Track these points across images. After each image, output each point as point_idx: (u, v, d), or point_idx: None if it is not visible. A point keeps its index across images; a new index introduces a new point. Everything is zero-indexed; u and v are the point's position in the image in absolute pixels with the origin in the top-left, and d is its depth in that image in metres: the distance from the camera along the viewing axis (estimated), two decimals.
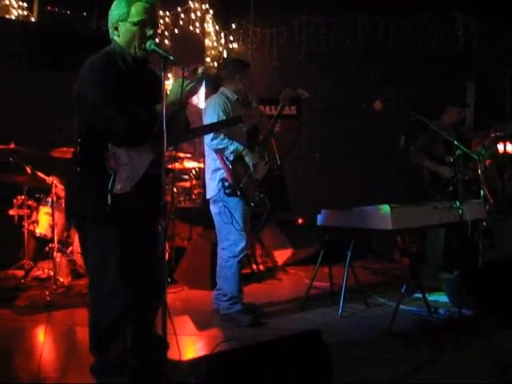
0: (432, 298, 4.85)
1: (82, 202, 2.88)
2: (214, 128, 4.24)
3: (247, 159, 4.46)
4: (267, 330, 4.22)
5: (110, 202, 2.77)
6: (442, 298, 4.94)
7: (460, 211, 4.32)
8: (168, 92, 2.96)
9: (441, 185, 5.83)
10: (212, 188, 4.51)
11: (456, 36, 7.59)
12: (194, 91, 3.00)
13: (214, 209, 4.53)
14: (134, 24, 2.91)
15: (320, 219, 4.75)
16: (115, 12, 2.95)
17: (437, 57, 7.59)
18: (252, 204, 4.49)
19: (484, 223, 5.27)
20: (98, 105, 2.83)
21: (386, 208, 4.15)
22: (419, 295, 4.59)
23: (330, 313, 4.67)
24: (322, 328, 2.87)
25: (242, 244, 4.46)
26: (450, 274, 5.69)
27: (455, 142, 4.61)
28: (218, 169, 4.47)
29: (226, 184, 4.39)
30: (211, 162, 4.55)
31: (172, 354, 3.08)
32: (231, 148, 4.38)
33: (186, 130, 3.31)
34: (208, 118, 4.45)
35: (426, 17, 7.61)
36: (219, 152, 4.43)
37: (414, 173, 6.57)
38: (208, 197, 4.58)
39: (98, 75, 2.85)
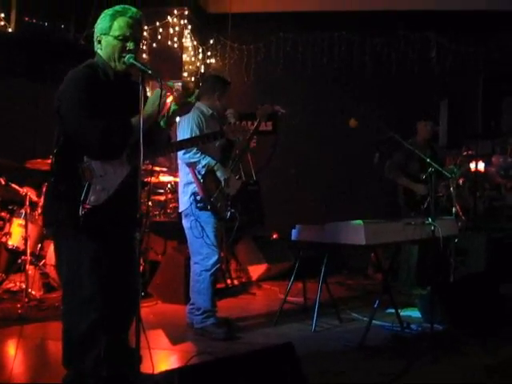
0: (405, 313, 4.89)
1: (57, 212, 2.91)
2: (193, 143, 4.25)
3: (219, 174, 4.48)
4: (241, 344, 4.22)
5: (81, 213, 2.78)
6: (414, 313, 4.98)
7: (432, 227, 4.38)
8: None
9: (415, 202, 5.92)
10: (184, 202, 4.52)
11: (430, 56, 7.73)
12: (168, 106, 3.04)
13: (185, 223, 4.54)
14: (115, 38, 2.94)
15: (294, 234, 4.79)
16: (99, 26, 2.98)
17: (411, 75, 7.72)
18: (223, 219, 4.51)
19: (456, 240, 5.37)
20: (75, 116, 2.85)
21: (359, 223, 4.20)
22: (392, 310, 4.63)
23: (304, 327, 4.68)
24: (296, 342, 2.88)
25: (214, 258, 4.46)
26: (422, 289, 5.76)
27: (427, 160, 4.69)
28: (190, 182, 4.48)
29: (198, 198, 4.40)
30: (183, 175, 4.56)
31: (145, 368, 3.06)
32: (203, 162, 4.40)
33: (165, 144, 3.33)
34: (182, 132, 4.48)
35: (401, 36, 7.75)
36: (191, 166, 4.45)
37: (389, 189, 6.66)
38: (180, 210, 4.60)
39: (77, 87, 2.87)
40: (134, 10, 3.00)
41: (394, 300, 4.59)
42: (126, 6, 3.01)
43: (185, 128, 4.47)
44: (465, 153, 6.84)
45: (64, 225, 2.90)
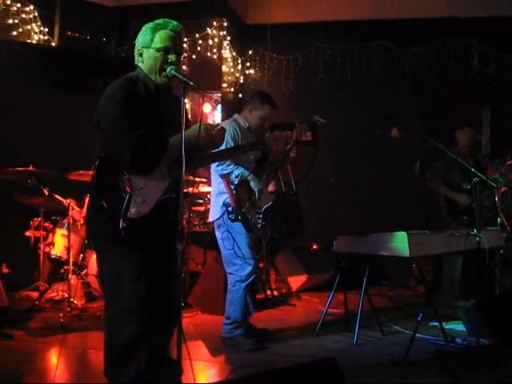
0: (448, 326, 4.77)
1: (98, 225, 2.95)
2: (233, 152, 4.25)
3: (252, 184, 4.46)
4: (281, 357, 4.17)
5: (122, 226, 2.78)
6: (458, 326, 4.86)
7: (477, 239, 4.27)
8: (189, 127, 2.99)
9: (457, 212, 5.79)
10: (215, 212, 4.50)
11: (471, 63, 7.60)
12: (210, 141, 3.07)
13: (218, 233, 4.53)
14: (157, 50, 2.96)
15: (336, 245, 4.73)
16: (141, 39, 3.02)
17: (452, 84, 7.60)
18: (253, 230, 4.49)
19: (501, 251, 5.23)
20: (111, 129, 2.89)
21: (403, 235, 4.13)
22: (435, 323, 4.52)
23: (345, 340, 4.62)
24: (338, 355, 2.82)
25: (248, 269, 4.44)
26: (466, 302, 5.63)
27: (472, 170, 4.59)
28: (223, 192, 4.46)
29: (230, 209, 4.37)
30: (216, 185, 4.55)
31: (186, 379, 3.06)
32: (236, 172, 4.39)
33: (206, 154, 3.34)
34: None
35: (441, 44, 7.64)
36: (225, 176, 4.43)
37: (429, 200, 6.55)
38: (211, 220, 4.59)
39: (116, 100, 2.89)
40: (174, 23, 3.03)
41: (438, 313, 4.49)
42: (167, 20, 3.03)
43: None
44: (509, 162, 6.66)
45: (105, 237, 2.93)
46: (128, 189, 2.84)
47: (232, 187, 4.41)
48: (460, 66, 7.60)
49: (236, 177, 4.40)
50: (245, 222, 4.40)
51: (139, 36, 3.05)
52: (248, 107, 4.71)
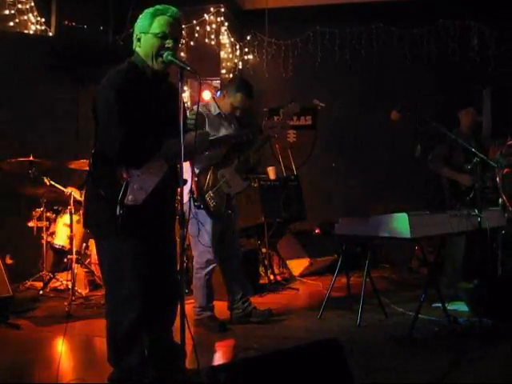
0: (451, 307, 4.79)
1: (96, 213, 2.95)
2: (231, 140, 4.22)
3: (219, 172, 4.41)
4: (285, 340, 4.19)
5: (119, 212, 2.79)
6: (461, 307, 4.88)
7: (479, 219, 4.27)
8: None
9: (460, 193, 5.78)
10: (185, 196, 4.46)
11: (471, 44, 7.56)
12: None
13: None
14: (155, 35, 2.95)
15: (337, 228, 4.73)
16: (140, 24, 3.01)
17: (452, 65, 7.56)
18: (218, 218, 4.44)
19: (503, 231, 5.22)
20: (104, 122, 2.90)
21: (404, 216, 4.12)
22: (438, 305, 4.54)
23: (349, 323, 4.63)
24: (341, 338, 2.84)
25: (208, 256, 4.47)
26: (469, 283, 5.63)
27: (473, 150, 4.57)
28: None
29: (194, 196, 4.31)
30: (186, 170, 4.46)
31: (190, 363, 3.08)
32: None
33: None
34: None
35: (441, 25, 7.60)
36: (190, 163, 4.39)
37: (431, 181, 6.54)
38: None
39: (110, 93, 2.87)
40: (174, 9, 3.02)
41: (441, 294, 4.50)
42: (167, 6, 3.03)
43: None
44: (510, 142, 6.64)
45: (103, 225, 2.94)
46: (125, 175, 2.84)
47: (196, 173, 4.33)
48: (460, 46, 7.57)
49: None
50: (207, 210, 4.36)
51: (138, 21, 3.03)
52: (223, 92, 4.64)
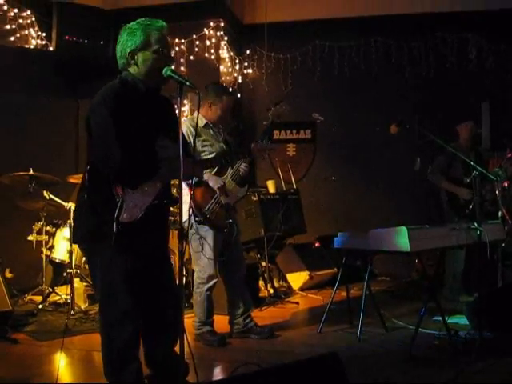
0: (451, 320, 4.77)
1: (90, 228, 2.91)
2: (216, 161, 4.22)
3: (211, 183, 4.35)
4: (285, 354, 4.18)
5: (115, 229, 2.76)
6: (461, 320, 4.86)
7: (478, 232, 4.27)
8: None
9: (459, 206, 5.80)
10: (185, 212, 4.43)
11: (469, 57, 7.59)
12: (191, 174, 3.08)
13: (189, 232, 4.42)
14: (154, 52, 2.93)
15: (337, 242, 4.73)
16: (130, 42, 2.93)
17: (450, 78, 7.60)
18: (225, 230, 4.42)
19: (503, 244, 5.22)
20: (101, 139, 2.85)
21: (403, 230, 4.13)
22: (438, 318, 4.52)
23: (349, 337, 4.62)
24: (342, 351, 2.83)
25: (210, 271, 4.44)
26: (469, 296, 5.63)
27: (471, 163, 4.59)
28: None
29: (193, 211, 4.29)
30: (185, 186, 4.34)
31: (189, 378, 3.07)
32: None
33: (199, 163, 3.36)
34: None
35: (439, 38, 7.64)
36: None
37: (431, 195, 6.55)
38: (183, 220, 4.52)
39: (105, 109, 2.83)
40: (161, 22, 2.98)
41: (441, 307, 4.49)
42: (152, 19, 2.97)
43: None
44: (509, 155, 6.65)
45: (97, 241, 2.90)
46: (120, 192, 2.82)
47: (192, 187, 4.25)
48: (458, 60, 7.60)
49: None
50: (209, 224, 4.35)
51: (125, 39, 2.94)
52: (206, 102, 4.56)
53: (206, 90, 4.59)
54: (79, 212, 3.07)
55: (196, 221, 4.33)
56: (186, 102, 7.06)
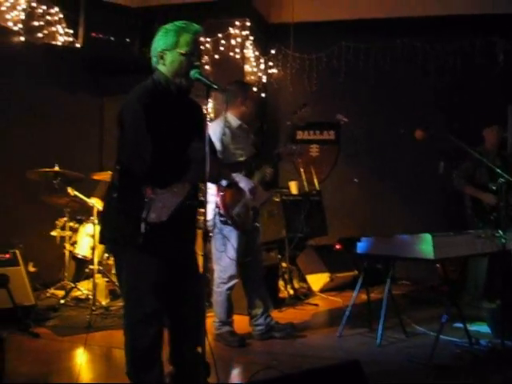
0: (473, 328, 4.73)
1: (117, 228, 2.91)
2: (246, 165, 4.24)
3: (242, 185, 4.35)
4: (305, 359, 4.18)
5: (143, 230, 2.77)
6: (483, 328, 4.82)
7: (503, 240, 4.23)
8: None
9: (483, 212, 5.73)
10: (209, 211, 4.43)
11: (496, 61, 7.50)
12: None
13: (212, 233, 4.41)
14: (182, 54, 2.94)
15: (360, 247, 4.70)
16: (162, 41, 2.98)
17: (477, 82, 7.51)
18: (246, 232, 4.45)
19: None
20: (133, 137, 2.86)
21: (427, 237, 4.09)
22: (459, 325, 4.48)
23: (369, 341, 4.60)
24: (361, 357, 2.82)
25: (231, 272, 4.47)
26: (491, 303, 5.56)
27: (498, 170, 4.53)
28: (215, 194, 4.37)
29: (220, 212, 4.32)
30: (210, 186, 4.37)
31: (210, 379, 3.08)
32: None
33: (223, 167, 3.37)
34: None
35: (466, 41, 7.55)
36: None
37: (454, 200, 6.48)
38: (208, 219, 4.53)
39: (140, 107, 2.84)
40: (196, 26, 3.01)
41: (463, 314, 4.45)
42: (188, 22, 3.01)
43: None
44: None
45: (124, 241, 2.90)
46: (150, 193, 2.82)
47: (222, 188, 4.31)
48: (485, 63, 7.50)
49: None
50: (235, 225, 4.37)
51: (158, 38, 3.00)
52: (237, 101, 4.56)
53: (234, 89, 4.61)
54: (107, 211, 3.08)
55: (221, 221, 4.35)
56: (209, 99, 7.06)
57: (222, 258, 4.43)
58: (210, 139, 3.07)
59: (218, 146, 4.16)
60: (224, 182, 4.24)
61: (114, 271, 5.76)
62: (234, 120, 4.55)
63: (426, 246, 4.09)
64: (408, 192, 7.60)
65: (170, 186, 2.87)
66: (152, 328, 2.95)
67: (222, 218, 4.34)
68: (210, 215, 4.33)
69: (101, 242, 3.19)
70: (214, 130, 4.35)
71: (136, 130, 2.83)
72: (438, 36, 7.60)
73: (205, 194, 2.80)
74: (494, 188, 5.24)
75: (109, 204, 3.04)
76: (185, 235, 3.03)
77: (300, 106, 4.61)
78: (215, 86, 2.82)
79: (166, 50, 2.97)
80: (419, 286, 7.00)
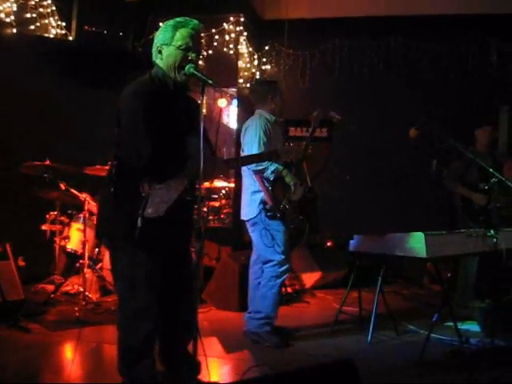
0: (463, 326, 4.74)
1: (114, 223, 2.91)
2: (250, 160, 4.24)
3: (287, 179, 4.40)
4: (297, 355, 4.17)
5: (140, 224, 2.76)
6: (473, 327, 4.84)
7: (494, 239, 4.24)
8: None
9: (473, 212, 5.75)
10: (251, 210, 4.47)
11: (490, 61, 7.52)
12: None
13: (253, 231, 4.50)
14: (177, 48, 2.95)
15: (352, 244, 4.71)
16: (160, 36, 3.00)
17: (471, 81, 7.52)
18: (291, 226, 4.49)
19: None
20: (131, 131, 2.85)
21: (420, 235, 4.10)
22: (450, 323, 4.49)
23: (360, 339, 4.59)
24: (353, 355, 2.83)
25: (286, 265, 4.48)
26: (482, 302, 5.58)
27: (491, 170, 4.54)
28: (258, 191, 4.44)
29: (268, 207, 4.37)
30: (250, 183, 4.52)
31: (200, 376, 3.07)
32: (271, 168, 4.33)
33: (223, 162, 3.38)
34: (249, 141, 4.44)
35: (460, 40, 7.57)
36: (258, 173, 4.40)
37: (444, 199, 6.50)
38: (246, 218, 4.54)
39: (138, 101, 2.85)
40: (195, 21, 3.01)
41: (454, 313, 4.46)
42: (188, 18, 3.02)
43: (252, 137, 4.43)
44: None
45: (120, 236, 2.91)
46: (146, 188, 2.82)
47: (267, 185, 4.40)
48: (479, 63, 7.52)
49: (272, 172, 4.35)
50: (284, 219, 4.41)
51: (158, 33, 3.03)
52: (268, 98, 4.64)
53: (262, 87, 4.81)
54: (104, 206, 3.07)
55: (268, 216, 4.39)
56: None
57: (274, 253, 4.43)
58: (207, 136, 3.07)
59: (264, 139, 4.36)
60: (272, 177, 4.35)
61: (104, 266, 5.75)
62: (269, 115, 4.63)
63: (418, 244, 4.09)
64: (400, 190, 7.62)
65: (167, 181, 2.86)
66: (145, 324, 2.93)
67: (269, 213, 4.37)
68: (253, 213, 4.44)
69: (96, 236, 3.18)
70: (255, 126, 4.46)
71: (134, 124, 2.83)
72: (432, 35, 7.61)
73: (195, 191, 2.78)
74: (485, 188, 5.25)
75: (105, 198, 3.02)
76: (180, 231, 3.02)
77: (315, 108, 4.81)
78: (210, 82, 2.82)
79: (163, 44, 2.99)
80: (410, 284, 7.02)
